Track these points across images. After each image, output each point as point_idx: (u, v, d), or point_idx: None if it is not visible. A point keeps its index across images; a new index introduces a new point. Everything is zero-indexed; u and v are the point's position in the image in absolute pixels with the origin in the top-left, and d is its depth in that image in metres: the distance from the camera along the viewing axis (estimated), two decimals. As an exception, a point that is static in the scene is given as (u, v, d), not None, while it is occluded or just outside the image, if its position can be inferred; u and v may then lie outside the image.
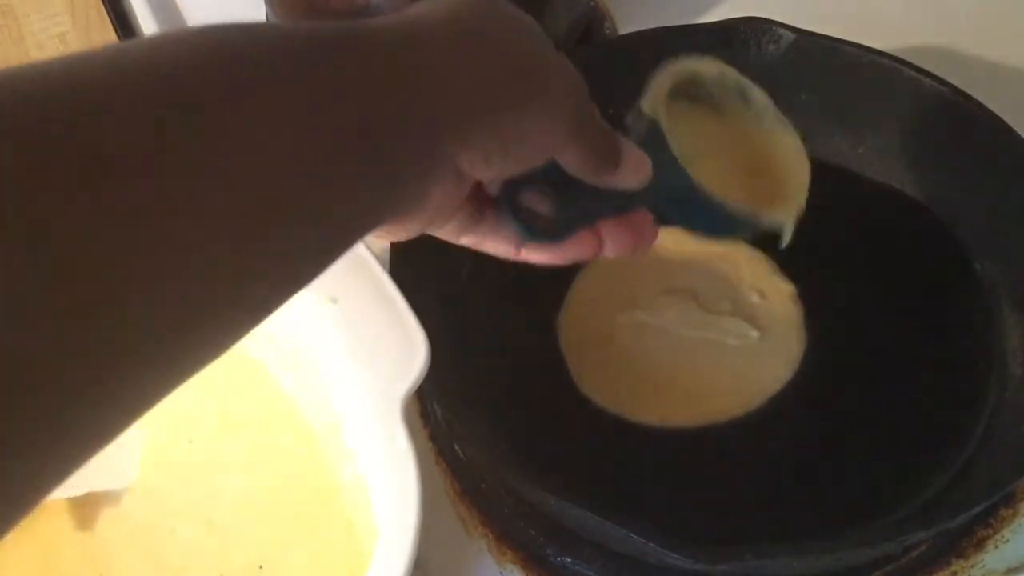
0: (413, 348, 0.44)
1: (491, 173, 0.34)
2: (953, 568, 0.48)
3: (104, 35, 0.74)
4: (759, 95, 0.45)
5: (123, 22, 0.74)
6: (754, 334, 0.55)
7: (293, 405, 0.53)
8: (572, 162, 0.36)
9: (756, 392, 0.53)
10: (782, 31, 0.60)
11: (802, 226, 0.59)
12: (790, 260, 0.58)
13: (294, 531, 0.49)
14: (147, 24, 0.72)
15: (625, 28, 0.72)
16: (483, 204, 0.38)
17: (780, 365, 0.54)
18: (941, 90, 0.58)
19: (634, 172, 0.37)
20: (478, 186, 0.37)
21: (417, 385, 0.44)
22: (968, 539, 0.49)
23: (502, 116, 0.32)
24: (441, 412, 0.54)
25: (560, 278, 0.59)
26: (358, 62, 0.28)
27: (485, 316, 0.57)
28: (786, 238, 0.43)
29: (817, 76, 0.61)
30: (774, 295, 0.57)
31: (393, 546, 0.40)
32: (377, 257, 0.47)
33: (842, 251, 0.58)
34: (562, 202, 0.37)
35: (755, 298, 0.57)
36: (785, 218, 0.43)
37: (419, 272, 0.51)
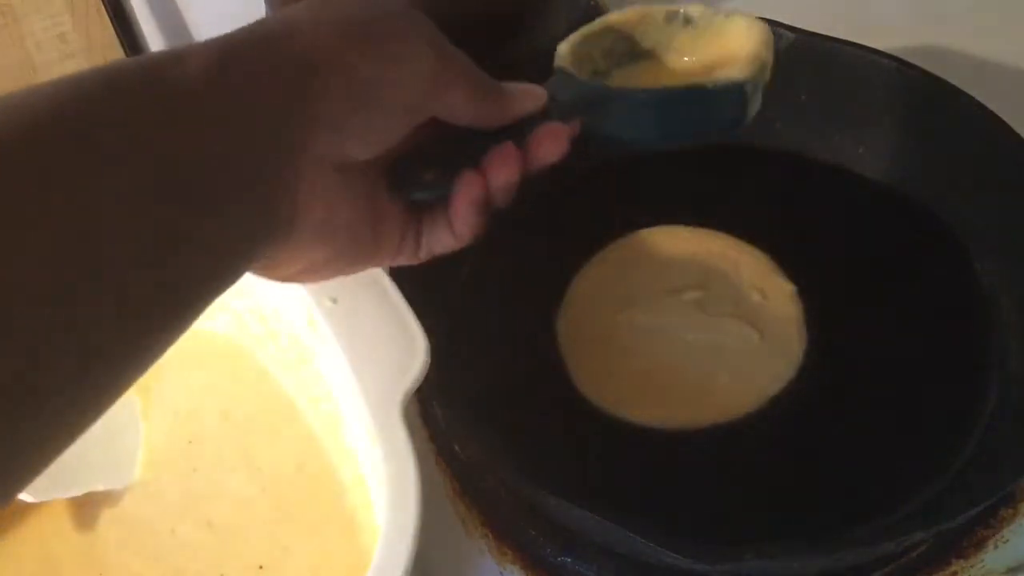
0: (413, 348, 0.44)
1: (366, 148, 0.32)
2: (953, 568, 0.48)
3: (104, 35, 0.74)
4: (695, 9, 0.43)
5: (123, 22, 0.74)
6: (755, 335, 0.55)
7: (293, 405, 0.53)
8: (455, 103, 0.34)
9: (757, 393, 0.53)
10: (782, 31, 0.60)
11: (802, 225, 0.60)
12: (790, 260, 0.58)
13: (294, 531, 0.49)
14: (147, 23, 0.72)
15: (625, 28, 0.72)
16: (416, 222, 0.38)
17: (781, 366, 0.54)
18: (940, 90, 0.58)
19: (529, 97, 0.37)
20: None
21: (417, 385, 0.44)
22: (968, 539, 0.49)
23: (332, 73, 0.30)
24: (441, 412, 0.54)
25: (560, 278, 0.59)
26: (164, 95, 0.27)
27: (485, 316, 0.57)
28: (752, 106, 0.40)
29: (817, 76, 0.61)
30: (775, 295, 0.57)
31: (393, 546, 0.40)
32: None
33: (842, 251, 0.58)
34: (454, 158, 0.37)
35: (756, 298, 0.57)
36: (739, 75, 0.40)
37: (419, 272, 0.51)
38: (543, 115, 0.37)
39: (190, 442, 0.53)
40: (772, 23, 0.60)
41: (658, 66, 0.43)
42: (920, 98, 0.58)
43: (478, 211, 0.37)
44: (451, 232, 0.38)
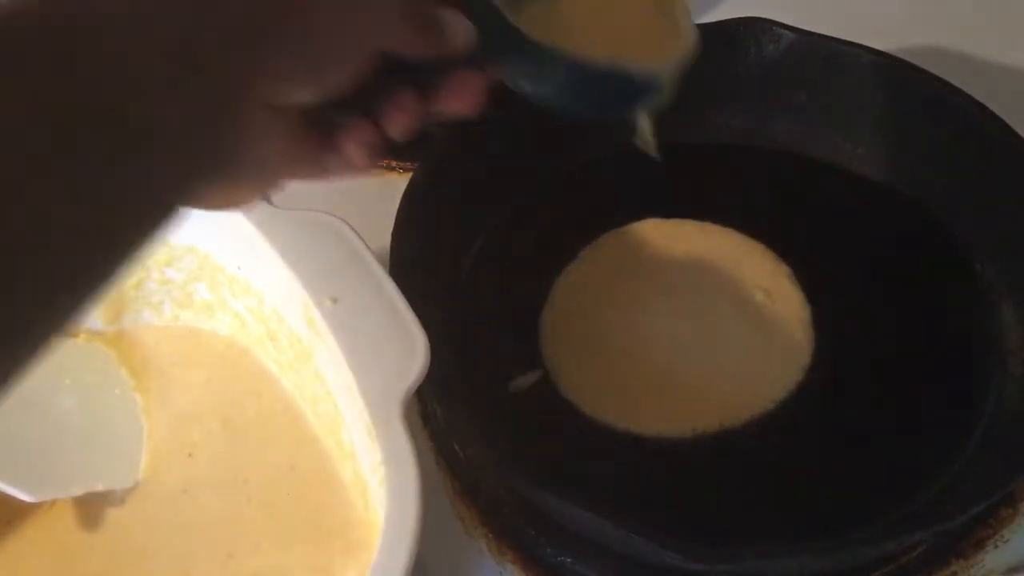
0: (413, 348, 0.44)
1: (308, 91, 0.31)
2: (953, 568, 0.48)
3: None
4: None
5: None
6: (759, 338, 0.55)
7: (293, 405, 0.53)
8: (397, 40, 0.32)
9: (759, 401, 0.53)
10: (782, 31, 0.60)
11: (802, 226, 0.59)
12: (788, 260, 0.58)
13: (294, 531, 0.49)
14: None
15: (625, 28, 0.72)
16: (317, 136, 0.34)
17: (786, 371, 0.54)
18: (941, 90, 0.58)
19: (453, 33, 0.34)
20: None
21: (417, 385, 0.44)
22: (968, 539, 0.49)
23: (299, 26, 0.29)
24: (441, 412, 0.54)
25: (559, 277, 0.59)
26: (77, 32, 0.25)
27: (485, 316, 0.57)
28: (651, 105, 0.39)
29: (817, 76, 0.61)
30: (781, 295, 0.57)
31: (393, 546, 0.40)
32: (377, 257, 0.47)
33: (841, 251, 0.58)
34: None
35: (759, 297, 0.57)
36: (657, 70, 0.38)
37: (419, 272, 0.51)
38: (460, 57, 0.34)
39: (190, 442, 0.53)
40: (772, 23, 0.60)
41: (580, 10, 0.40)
42: (920, 98, 0.58)
43: (370, 152, 0.35)
44: (343, 161, 0.36)
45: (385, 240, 0.52)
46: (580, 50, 0.36)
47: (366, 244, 0.47)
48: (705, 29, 0.63)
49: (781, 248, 0.58)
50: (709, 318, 0.56)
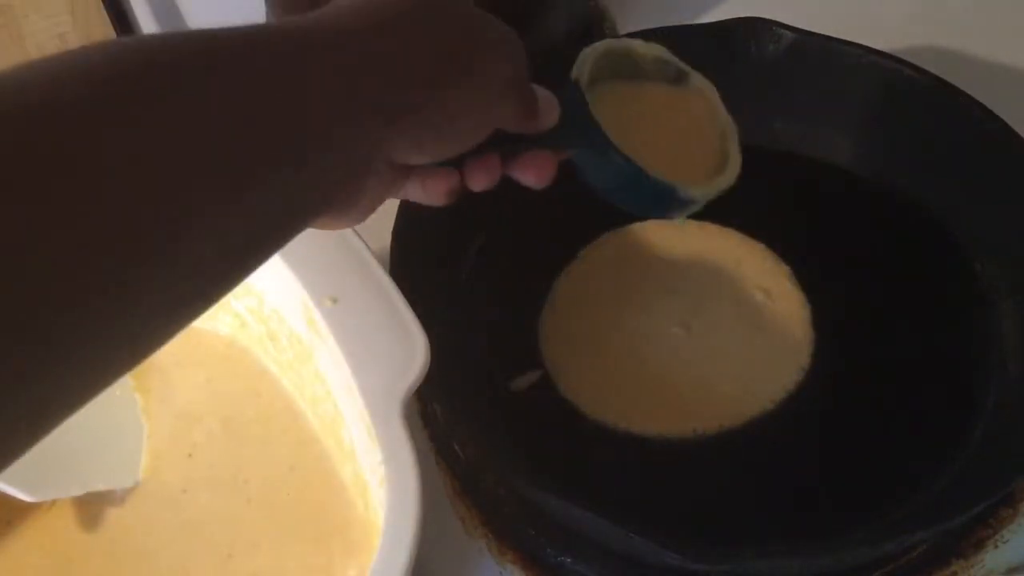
0: (413, 348, 0.44)
1: (424, 159, 0.35)
2: (953, 568, 0.48)
3: (104, 35, 0.74)
4: (697, 78, 0.46)
5: (123, 22, 0.74)
6: (759, 338, 0.55)
7: (293, 405, 0.53)
8: (507, 118, 0.37)
9: (759, 402, 0.53)
10: (782, 31, 0.60)
11: (802, 226, 0.59)
12: (787, 260, 0.58)
13: (294, 531, 0.49)
14: (147, 24, 0.72)
15: (625, 28, 0.72)
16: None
17: (786, 369, 0.54)
18: (941, 90, 0.58)
19: (544, 115, 0.38)
20: None
21: (417, 385, 0.44)
22: (968, 539, 0.49)
23: (429, 100, 0.33)
24: (441, 412, 0.54)
25: (559, 276, 0.59)
26: (271, 62, 0.28)
27: (485, 316, 0.57)
28: (681, 215, 0.44)
29: (817, 76, 0.61)
30: (781, 295, 0.57)
31: (393, 546, 0.40)
32: (377, 257, 0.47)
33: (841, 251, 0.58)
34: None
35: (759, 297, 0.57)
36: (698, 195, 0.43)
37: (419, 272, 0.51)
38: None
39: (190, 442, 0.53)
40: (772, 23, 0.60)
41: (639, 97, 0.45)
42: (920, 98, 0.58)
43: (450, 197, 0.39)
44: (423, 195, 0.40)
45: (385, 240, 0.52)
46: (640, 151, 0.41)
47: (366, 244, 0.47)
48: (705, 29, 0.64)
49: (781, 248, 0.58)
50: (709, 318, 0.56)
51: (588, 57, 0.43)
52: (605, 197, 0.43)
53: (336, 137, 0.30)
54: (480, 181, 0.38)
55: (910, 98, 0.59)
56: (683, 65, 0.46)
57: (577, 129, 0.40)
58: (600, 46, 0.43)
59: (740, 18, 0.61)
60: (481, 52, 0.34)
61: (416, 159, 0.34)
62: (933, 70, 0.58)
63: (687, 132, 0.46)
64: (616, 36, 0.71)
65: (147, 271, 0.25)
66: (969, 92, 0.57)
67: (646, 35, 0.63)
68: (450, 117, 0.34)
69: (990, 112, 0.56)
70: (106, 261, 0.23)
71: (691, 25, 0.68)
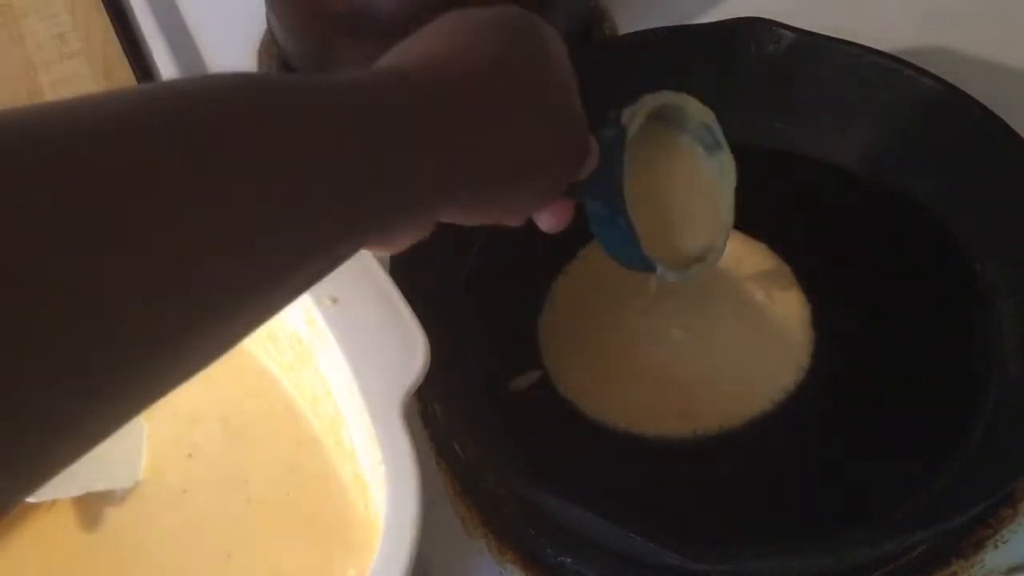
0: (413, 348, 0.44)
1: (470, 223, 0.37)
2: (953, 568, 0.48)
3: (104, 35, 0.74)
4: (727, 156, 0.49)
5: (123, 22, 0.74)
6: (759, 338, 0.55)
7: (293, 405, 0.53)
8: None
9: (759, 402, 0.53)
10: (782, 31, 0.60)
11: (802, 226, 0.60)
12: (788, 260, 0.58)
13: (294, 531, 0.49)
14: (147, 24, 0.72)
15: (625, 28, 0.72)
16: None
17: (786, 369, 0.54)
18: (941, 90, 0.58)
19: (585, 170, 0.41)
20: None
21: (417, 385, 0.44)
22: (968, 539, 0.49)
23: (493, 193, 0.35)
24: (441, 412, 0.54)
25: (558, 275, 0.59)
26: (365, 114, 0.29)
27: (485, 316, 0.57)
28: (652, 284, 0.50)
29: (817, 76, 0.61)
30: (781, 295, 0.57)
31: (393, 546, 0.40)
32: (377, 258, 0.47)
33: (841, 251, 0.58)
34: None
35: (759, 297, 0.57)
36: (673, 277, 0.47)
37: (419, 272, 0.51)
38: None
39: (190, 442, 0.53)
40: (772, 23, 0.60)
41: (673, 155, 0.49)
42: (920, 98, 0.58)
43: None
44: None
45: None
46: (648, 204, 0.45)
47: (366, 244, 0.47)
48: (705, 29, 0.64)
49: (781, 248, 0.58)
50: (709, 318, 0.56)
51: (643, 108, 0.44)
52: (604, 248, 0.46)
53: (402, 203, 0.31)
54: (550, 225, 0.41)
55: (909, 98, 0.59)
56: (722, 138, 0.48)
57: (603, 187, 0.42)
58: (659, 98, 0.45)
59: (740, 18, 0.61)
60: (558, 158, 0.37)
61: (460, 221, 0.37)
62: (933, 70, 0.58)
63: (697, 203, 0.49)
64: (618, 36, 0.71)
65: (244, 325, 0.29)
66: (969, 92, 0.57)
67: (646, 35, 0.64)
68: (505, 206, 0.37)
69: (990, 112, 0.56)
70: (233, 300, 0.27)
71: (691, 25, 0.68)
